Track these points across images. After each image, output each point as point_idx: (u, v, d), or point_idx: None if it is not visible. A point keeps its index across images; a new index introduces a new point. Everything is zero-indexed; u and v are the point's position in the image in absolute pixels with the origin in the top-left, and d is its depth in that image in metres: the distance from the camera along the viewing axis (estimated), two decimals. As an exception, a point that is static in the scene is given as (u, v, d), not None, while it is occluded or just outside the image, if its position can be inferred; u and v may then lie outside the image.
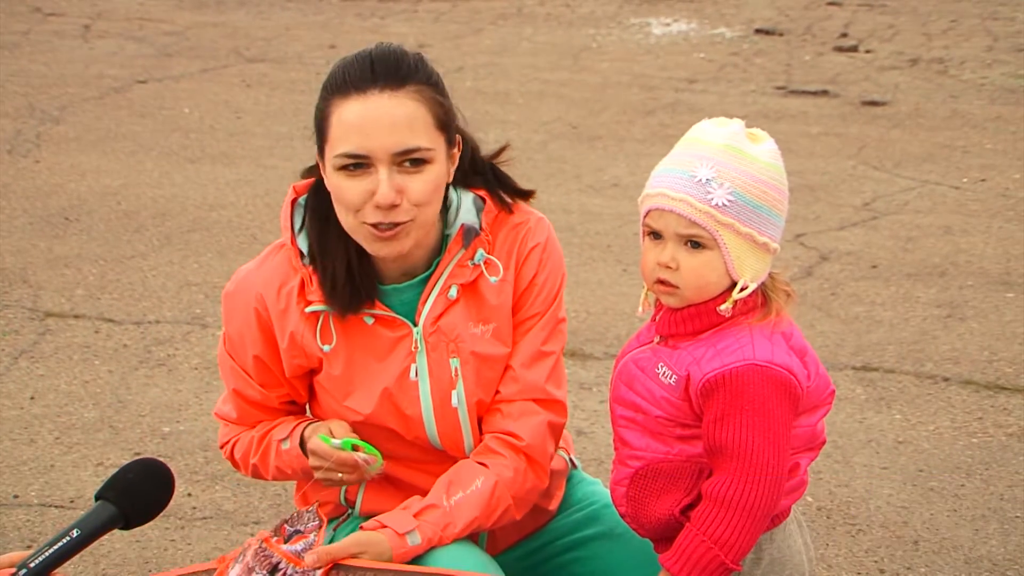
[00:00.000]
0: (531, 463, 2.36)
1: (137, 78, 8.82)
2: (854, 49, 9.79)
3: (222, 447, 2.49)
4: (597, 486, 2.58)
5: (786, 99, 8.48)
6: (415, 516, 2.22)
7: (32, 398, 4.45)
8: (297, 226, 2.33)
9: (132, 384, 4.54)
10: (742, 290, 2.10)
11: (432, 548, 2.21)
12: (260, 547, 2.12)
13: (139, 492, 1.90)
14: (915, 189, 6.74)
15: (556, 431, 2.40)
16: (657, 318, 2.20)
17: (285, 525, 2.20)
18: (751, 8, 11.27)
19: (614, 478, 2.24)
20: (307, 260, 2.30)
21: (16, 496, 3.85)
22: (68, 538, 1.80)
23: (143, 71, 9.01)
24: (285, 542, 2.15)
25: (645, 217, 2.14)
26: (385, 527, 2.19)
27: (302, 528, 2.18)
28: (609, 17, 11.06)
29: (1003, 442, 4.21)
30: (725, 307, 2.11)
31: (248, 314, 2.34)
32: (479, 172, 2.38)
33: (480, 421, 2.40)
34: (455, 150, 2.29)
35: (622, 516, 2.25)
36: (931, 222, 6.23)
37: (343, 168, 2.19)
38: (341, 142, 2.18)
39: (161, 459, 1.98)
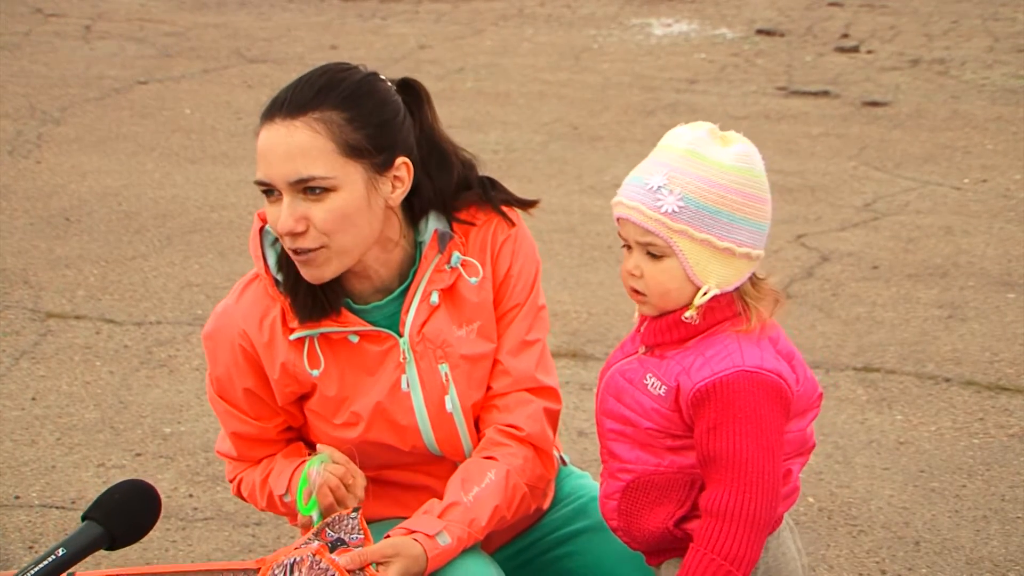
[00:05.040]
0: (537, 451, 2.37)
1: (138, 79, 8.83)
2: (855, 50, 9.79)
3: (230, 482, 2.49)
4: (585, 479, 2.59)
5: (787, 100, 8.48)
6: (439, 517, 2.22)
7: (33, 399, 4.45)
8: (268, 254, 2.33)
9: (133, 385, 4.54)
10: (704, 295, 2.08)
11: (464, 549, 2.22)
12: (315, 560, 2.12)
13: (125, 513, 1.91)
14: (916, 190, 6.74)
15: (553, 417, 2.41)
16: (642, 328, 2.18)
17: (326, 530, 2.20)
18: (752, 9, 11.27)
19: (604, 492, 2.22)
20: (283, 288, 2.30)
21: (17, 497, 3.85)
22: (53, 557, 1.81)
23: (144, 72, 9.01)
24: (330, 551, 2.15)
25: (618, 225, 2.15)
26: (415, 531, 2.19)
27: (345, 538, 2.18)
28: (610, 18, 11.06)
29: (1004, 443, 4.21)
30: (689, 315, 2.09)
31: (233, 351, 2.33)
32: (470, 188, 2.37)
33: (476, 421, 2.40)
34: (391, 173, 2.25)
35: (613, 530, 2.23)
36: (932, 223, 6.23)
37: (264, 193, 2.23)
38: (256, 169, 2.22)
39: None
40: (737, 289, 2.11)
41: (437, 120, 2.36)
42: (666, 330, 2.12)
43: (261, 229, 2.34)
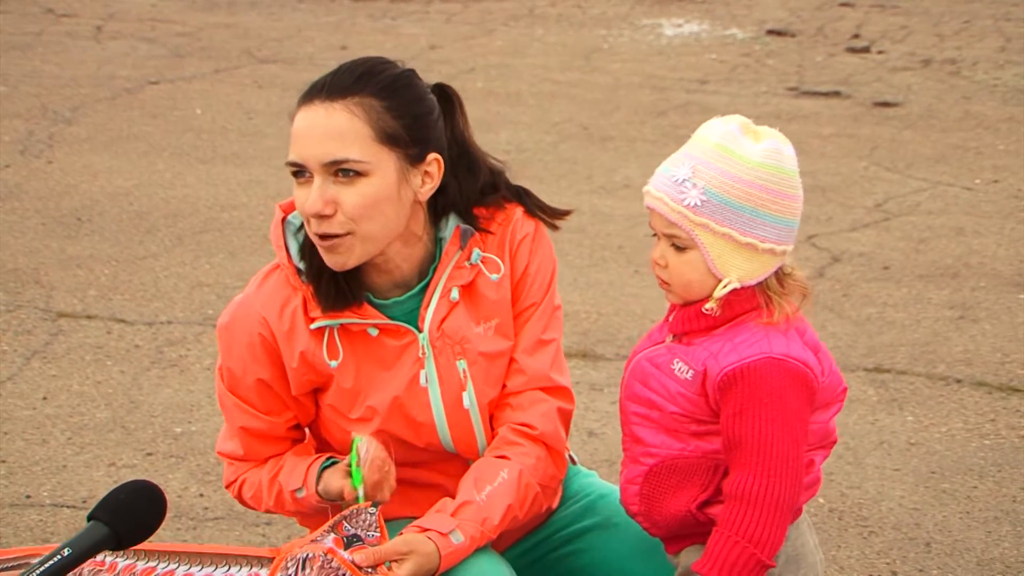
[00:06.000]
0: (549, 451, 2.38)
1: (149, 79, 8.84)
2: (866, 50, 9.77)
3: (228, 487, 2.48)
4: (593, 478, 2.60)
5: (798, 100, 8.47)
6: (452, 515, 2.23)
7: (44, 398, 4.46)
8: (290, 243, 2.34)
9: (144, 384, 4.55)
10: (724, 288, 2.11)
11: (477, 547, 2.23)
12: (327, 559, 2.12)
13: (131, 513, 1.92)
14: (927, 190, 6.73)
15: (566, 417, 2.42)
16: (671, 318, 2.22)
17: (343, 523, 2.20)
18: (763, 9, 11.26)
19: (626, 476, 2.24)
20: (305, 278, 2.31)
21: (28, 496, 3.86)
22: (59, 557, 1.82)
23: (155, 72, 9.03)
24: (345, 547, 2.15)
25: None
26: (428, 530, 2.20)
27: (362, 534, 2.18)
28: (621, 18, 11.05)
29: (1016, 444, 4.20)
30: (709, 306, 2.13)
31: (251, 340, 2.33)
32: (498, 192, 2.39)
33: (491, 419, 2.41)
34: (422, 167, 2.27)
35: (634, 515, 2.25)
36: (943, 223, 6.22)
37: (293, 175, 2.25)
38: (289, 150, 2.24)
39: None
40: (760, 283, 2.14)
41: (468, 127, 2.39)
42: (693, 319, 2.16)
43: (283, 220, 2.35)
